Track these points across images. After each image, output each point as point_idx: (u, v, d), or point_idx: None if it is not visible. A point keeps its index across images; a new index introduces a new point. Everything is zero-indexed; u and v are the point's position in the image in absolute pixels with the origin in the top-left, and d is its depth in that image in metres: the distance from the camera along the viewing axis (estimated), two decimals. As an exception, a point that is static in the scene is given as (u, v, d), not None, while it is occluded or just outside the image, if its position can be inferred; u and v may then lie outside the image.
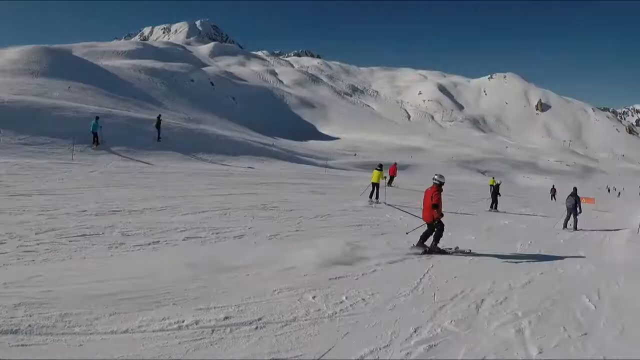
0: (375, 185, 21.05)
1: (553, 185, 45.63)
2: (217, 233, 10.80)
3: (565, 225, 19.29)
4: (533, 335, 6.67)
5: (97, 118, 27.04)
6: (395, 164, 30.52)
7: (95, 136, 26.20)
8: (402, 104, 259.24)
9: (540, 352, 6.09)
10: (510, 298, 8.23)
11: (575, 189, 19.63)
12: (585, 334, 6.96)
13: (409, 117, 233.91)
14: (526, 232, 16.83)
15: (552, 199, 39.96)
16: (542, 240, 15.42)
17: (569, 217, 19.42)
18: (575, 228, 18.84)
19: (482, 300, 7.95)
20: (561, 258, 12.53)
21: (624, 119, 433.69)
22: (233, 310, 6.19)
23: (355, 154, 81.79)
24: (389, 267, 9.46)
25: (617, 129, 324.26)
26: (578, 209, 19.15)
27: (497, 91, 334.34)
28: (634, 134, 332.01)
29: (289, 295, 7.06)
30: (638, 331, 7.31)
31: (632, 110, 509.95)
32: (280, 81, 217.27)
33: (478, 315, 7.25)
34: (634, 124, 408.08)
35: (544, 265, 11.45)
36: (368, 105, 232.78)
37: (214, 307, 6.22)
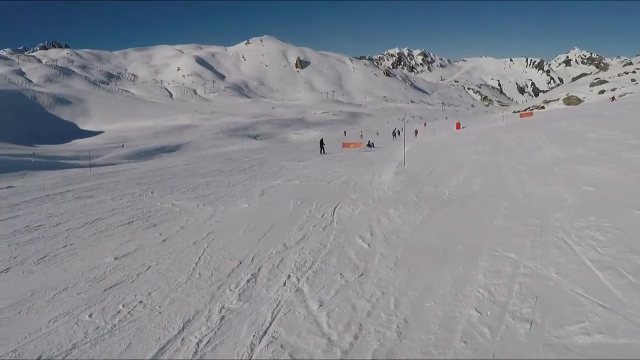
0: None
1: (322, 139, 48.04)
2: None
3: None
4: (312, 290, 6.72)
5: None
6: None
7: None
8: (161, 84, 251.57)
9: (320, 306, 6.14)
10: (287, 258, 8.28)
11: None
12: (362, 275, 7.20)
13: (171, 95, 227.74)
14: (300, 188, 17.21)
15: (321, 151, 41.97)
16: (314, 192, 15.92)
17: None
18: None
19: (260, 268, 7.91)
20: (333, 205, 13.01)
21: (381, 64, 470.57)
22: (10, 356, 5.57)
23: (122, 145, 77.73)
24: (164, 260, 8.95)
25: (375, 74, 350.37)
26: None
27: (256, 55, 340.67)
28: (391, 76, 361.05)
29: (65, 321, 6.47)
30: (410, 259, 7.75)
31: (387, 55, 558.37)
32: (30, 80, 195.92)
33: (257, 284, 7.18)
34: (390, 67, 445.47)
35: (315, 216, 11.79)
36: (127, 91, 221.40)
37: (-12, 357, 5.49)
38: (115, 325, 6.20)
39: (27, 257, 9.89)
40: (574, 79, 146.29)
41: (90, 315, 6.56)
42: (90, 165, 39.27)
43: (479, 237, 8.58)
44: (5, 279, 8.60)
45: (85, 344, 5.77)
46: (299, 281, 7.23)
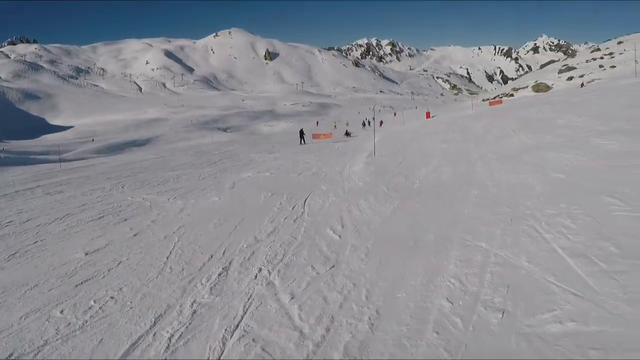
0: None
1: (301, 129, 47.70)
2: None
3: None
4: (283, 283, 6.70)
5: None
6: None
7: None
8: (131, 78, 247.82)
9: (292, 298, 6.12)
10: (258, 251, 8.24)
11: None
12: (333, 266, 7.18)
13: (140, 89, 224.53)
14: (270, 180, 17.13)
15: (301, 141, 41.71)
16: (285, 184, 15.86)
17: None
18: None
19: (231, 261, 7.86)
20: (304, 197, 12.99)
21: (349, 54, 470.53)
22: (-19, 356, 5.44)
23: (92, 139, 76.72)
24: (135, 255, 8.85)
25: (344, 65, 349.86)
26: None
27: (225, 48, 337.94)
28: (360, 67, 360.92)
29: (37, 317, 6.40)
30: (381, 250, 7.75)
31: (356, 46, 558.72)
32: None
33: (228, 278, 7.13)
34: (359, 57, 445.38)
35: (286, 208, 11.76)
36: (96, 85, 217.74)
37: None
38: (86, 321, 6.13)
39: (-5, 253, 9.70)
40: (542, 66, 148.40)
41: (61, 312, 6.48)
42: (60, 160, 38.60)
43: (449, 226, 8.63)
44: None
45: (57, 340, 5.69)
46: (270, 274, 7.18)
